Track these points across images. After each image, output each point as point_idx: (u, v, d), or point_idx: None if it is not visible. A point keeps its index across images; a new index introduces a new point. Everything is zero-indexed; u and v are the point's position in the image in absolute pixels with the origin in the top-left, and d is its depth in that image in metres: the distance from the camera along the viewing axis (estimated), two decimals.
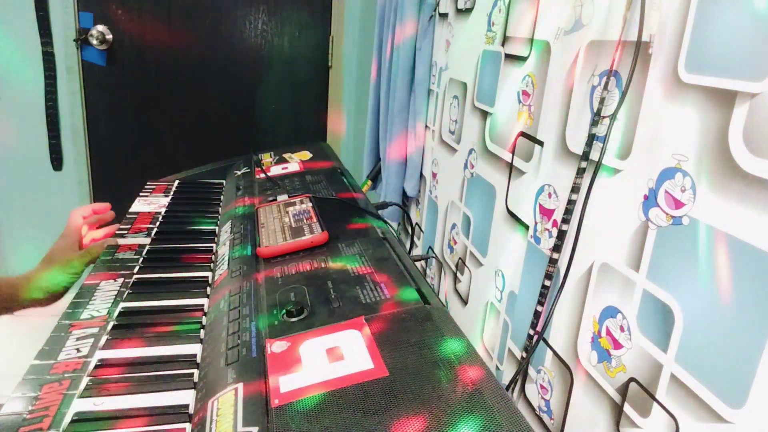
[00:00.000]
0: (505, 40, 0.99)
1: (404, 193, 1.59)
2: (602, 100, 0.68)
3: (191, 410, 0.53)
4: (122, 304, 0.70)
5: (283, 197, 0.95)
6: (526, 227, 0.89)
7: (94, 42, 1.98)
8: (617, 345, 0.65)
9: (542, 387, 0.83)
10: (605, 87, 0.68)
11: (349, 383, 0.49)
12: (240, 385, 0.51)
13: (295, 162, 1.19)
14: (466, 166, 1.17)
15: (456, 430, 0.43)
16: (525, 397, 0.88)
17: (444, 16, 1.34)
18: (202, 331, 0.66)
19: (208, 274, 0.79)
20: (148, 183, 1.16)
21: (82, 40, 1.98)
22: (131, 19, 2.01)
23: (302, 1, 2.10)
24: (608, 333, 0.67)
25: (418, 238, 1.55)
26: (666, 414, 0.57)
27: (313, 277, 0.69)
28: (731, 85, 0.50)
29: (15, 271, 2.21)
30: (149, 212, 1.01)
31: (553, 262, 0.79)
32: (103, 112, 2.09)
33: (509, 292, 0.95)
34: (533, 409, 0.86)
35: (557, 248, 0.78)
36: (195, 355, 0.61)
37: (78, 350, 0.61)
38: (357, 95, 2.20)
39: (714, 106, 0.52)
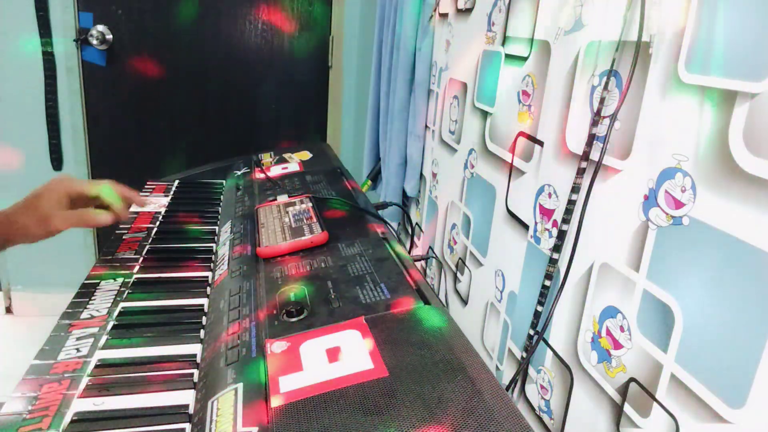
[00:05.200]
0: (505, 40, 0.99)
1: (404, 193, 1.59)
2: (602, 100, 0.68)
3: (191, 410, 0.53)
4: (122, 304, 0.70)
5: (283, 197, 0.95)
6: (526, 227, 0.89)
7: (94, 42, 1.98)
8: (617, 345, 0.65)
9: (542, 387, 0.83)
10: (605, 87, 0.68)
11: (349, 383, 0.49)
12: (240, 385, 0.51)
13: (295, 162, 1.19)
14: (466, 166, 1.17)
15: (456, 430, 0.42)
16: (525, 397, 0.88)
17: (444, 16, 1.34)
18: (202, 331, 0.66)
19: (208, 274, 0.79)
20: (148, 183, 1.16)
21: (82, 40, 1.98)
22: (131, 19, 2.01)
23: (303, 1, 2.10)
24: (608, 333, 0.67)
25: (418, 238, 1.55)
26: (666, 414, 0.57)
27: (313, 277, 0.69)
28: (731, 85, 0.50)
29: (14, 272, 2.21)
30: (149, 212, 1.01)
31: (553, 262, 0.79)
32: (103, 112, 2.09)
33: (509, 292, 0.95)
34: (533, 409, 0.86)
35: (557, 248, 0.78)
36: (195, 355, 0.61)
37: (78, 350, 0.61)
38: (357, 95, 2.21)
39: (714, 106, 0.52)
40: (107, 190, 0.81)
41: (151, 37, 2.05)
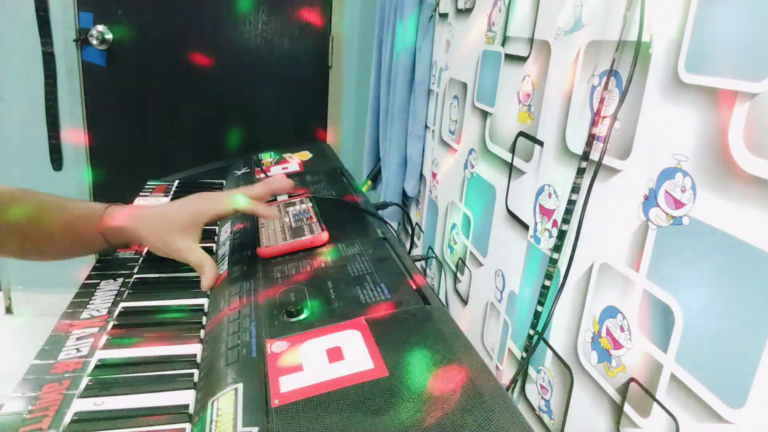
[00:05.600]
0: (505, 40, 0.99)
1: (404, 193, 1.59)
2: (602, 100, 0.68)
3: (191, 410, 0.53)
4: (122, 304, 0.70)
5: (283, 197, 0.95)
6: (526, 227, 0.89)
7: (94, 42, 1.98)
8: (617, 345, 0.65)
9: (542, 387, 0.83)
10: (605, 87, 0.68)
11: (349, 383, 0.49)
12: (240, 385, 0.51)
13: (295, 162, 1.19)
14: (466, 166, 1.17)
15: (456, 430, 0.42)
16: (525, 397, 0.88)
17: (444, 16, 1.34)
18: (202, 331, 0.66)
19: None
20: (148, 183, 1.16)
21: (82, 40, 1.98)
22: (131, 19, 2.01)
23: (302, 1, 2.10)
24: (608, 333, 0.67)
25: (418, 238, 1.55)
26: (666, 414, 0.57)
27: (313, 277, 0.69)
28: (731, 85, 0.50)
29: (14, 272, 2.20)
30: None
31: (553, 262, 0.79)
32: (103, 112, 2.09)
33: (509, 292, 0.95)
34: (533, 409, 0.86)
35: (557, 248, 0.78)
36: (195, 355, 0.61)
37: (78, 350, 0.61)
38: (357, 95, 2.21)
39: (714, 106, 0.52)
40: (243, 201, 0.77)
41: (151, 37, 2.05)
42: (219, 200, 0.78)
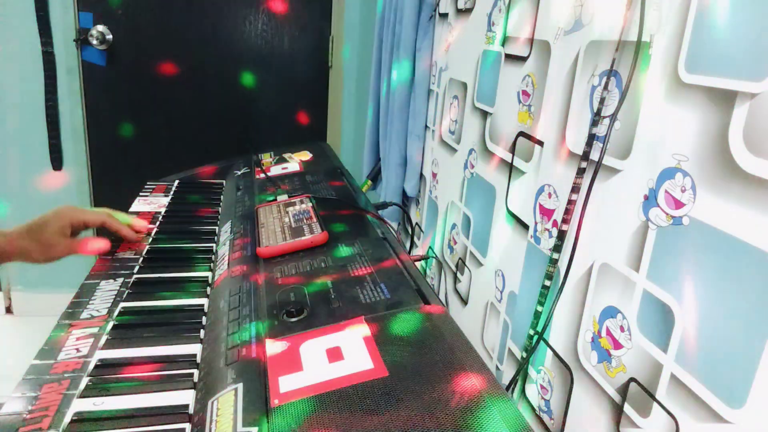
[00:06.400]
0: (505, 40, 0.99)
1: (404, 193, 1.59)
2: (602, 100, 0.68)
3: (191, 410, 0.53)
4: (122, 304, 0.70)
5: (283, 197, 0.95)
6: (526, 227, 0.89)
7: (94, 42, 1.98)
8: (617, 345, 0.65)
9: (542, 387, 0.83)
10: (605, 87, 0.68)
11: (349, 383, 0.49)
12: (240, 385, 0.52)
13: (295, 162, 1.19)
14: (466, 166, 1.17)
15: (456, 430, 0.43)
16: (525, 397, 0.88)
17: (444, 16, 1.34)
18: (202, 331, 0.66)
19: (208, 274, 0.79)
20: (148, 183, 1.17)
21: (82, 40, 1.98)
22: (131, 19, 2.01)
23: (302, 1, 2.10)
24: (608, 333, 0.67)
25: (418, 238, 1.55)
26: (666, 414, 0.57)
27: (313, 277, 0.69)
28: (731, 85, 0.50)
29: (14, 272, 2.20)
30: (149, 212, 1.01)
31: (553, 262, 0.79)
32: (103, 112, 2.09)
33: (509, 292, 0.95)
34: (533, 409, 0.86)
35: (557, 248, 0.78)
36: (195, 355, 0.61)
37: (78, 350, 0.61)
38: (357, 95, 2.20)
39: (714, 106, 0.52)
40: (110, 218, 0.87)
41: (151, 37, 2.05)
42: (85, 211, 0.85)
